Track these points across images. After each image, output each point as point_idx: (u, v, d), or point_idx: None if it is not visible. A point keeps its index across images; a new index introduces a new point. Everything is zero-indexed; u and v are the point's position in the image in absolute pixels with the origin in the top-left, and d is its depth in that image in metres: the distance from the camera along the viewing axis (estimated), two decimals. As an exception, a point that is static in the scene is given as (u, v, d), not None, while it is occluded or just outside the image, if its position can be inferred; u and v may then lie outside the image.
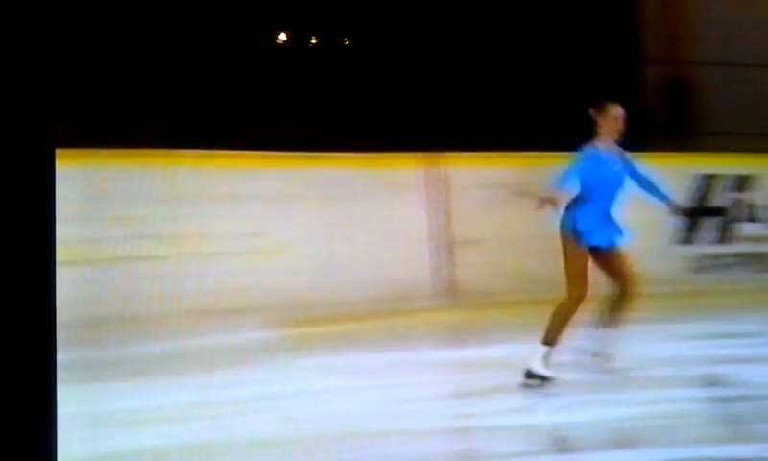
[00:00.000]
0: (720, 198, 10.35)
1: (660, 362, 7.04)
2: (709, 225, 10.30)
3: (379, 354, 7.13)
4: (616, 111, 6.39)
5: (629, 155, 6.53)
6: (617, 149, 6.45)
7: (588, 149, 6.39)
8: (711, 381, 6.84)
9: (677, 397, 6.31)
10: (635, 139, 9.63)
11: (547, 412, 6.00)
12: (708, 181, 10.31)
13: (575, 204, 6.36)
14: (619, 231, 6.46)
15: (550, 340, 6.28)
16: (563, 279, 6.47)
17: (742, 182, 10.42)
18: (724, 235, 10.38)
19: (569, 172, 6.32)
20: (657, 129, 11.81)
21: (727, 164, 10.47)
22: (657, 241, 9.58)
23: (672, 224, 9.77)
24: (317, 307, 8.23)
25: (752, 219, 10.36)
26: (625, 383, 6.42)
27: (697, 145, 11.42)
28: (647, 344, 7.50)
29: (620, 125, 6.39)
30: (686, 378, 6.88)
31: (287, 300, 8.15)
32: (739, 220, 10.37)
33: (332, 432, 5.26)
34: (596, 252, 6.38)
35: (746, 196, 10.38)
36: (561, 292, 6.57)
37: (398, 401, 6.01)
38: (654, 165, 9.58)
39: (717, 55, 11.88)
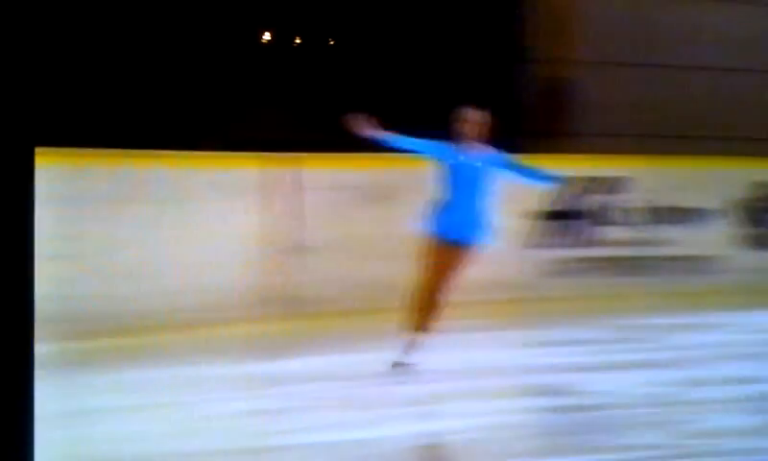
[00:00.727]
0: (585, 201, 10.22)
1: (501, 370, 6.97)
2: (569, 228, 10.17)
3: (188, 368, 6.79)
4: (470, 115, 6.79)
5: (500, 153, 6.88)
6: (484, 148, 6.80)
7: (445, 147, 6.80)
8: (552, 391, 6.70)
9: (514, 407, 6.22)
10: (508, 140, 9.45)
11: (371, 426, 5.71)
12: (573, 183, 10.08)
13: (440, 202, 6.79)
14: (474, 231, 6.77)
15: (416, 326, 6.68)
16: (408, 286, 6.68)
17: (610, 185, 10.36)
18: (584, 239, 10.24)
19: (411, 142, 6.80)
20: (532, 129, 11.64)
21: (597, 166, 10.41)
22: (508, 245, 9.27)
23: (526, 228, 9.72)
24: (124, 317, 7.81)
25: (615, 222, 10.30)
26: (459, 395, 6.29)
27: (572, 146, 11.28)
28: (489, 351, 7.43)
29: (475, 128, 6.77)
30: (527, 388, 6.78)
31: (91, 309, 7.59)
32: (602, 223, 10.26)
33: (126, 454, 5.00)
34: (444, 245, 6.70)
35: (612, 199, 10.32)
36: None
37: (202, 420, 5.71)
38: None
39: (597, 54, 11.85)
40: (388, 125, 6.95)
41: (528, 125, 11.63)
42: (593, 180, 10.25)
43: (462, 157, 6.78)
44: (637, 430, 5.64)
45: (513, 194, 9.01)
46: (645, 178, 10.29)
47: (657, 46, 11.91)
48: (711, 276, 10.30)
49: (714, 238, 10.43)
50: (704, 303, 9.47)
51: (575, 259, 10.03)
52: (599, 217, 10.22)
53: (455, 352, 7.13)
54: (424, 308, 6.68)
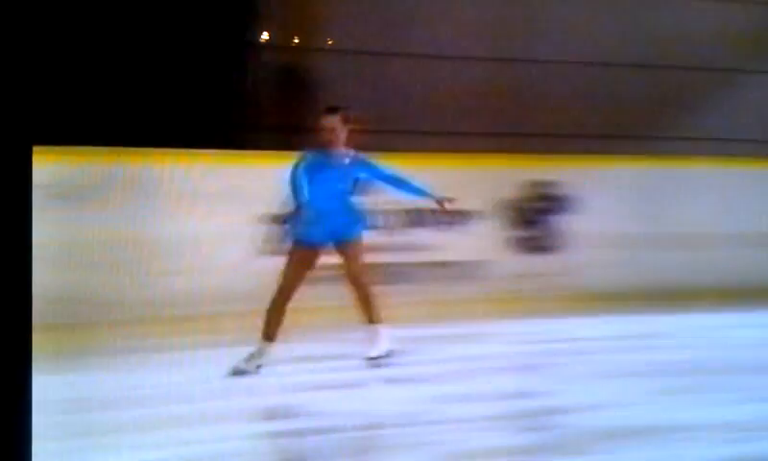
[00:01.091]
0: None
1: (230, 391, 6.41)
2: None
3: None
4: (323, 121, 7.08)
5: (368, 158, 7.17)
6: (347, 153, 7.12)
7: (305, 154, 7.09)
8: (290, 412, 6.16)
9: (245, 432, 5.66)
10: (235, 134, 9.62)
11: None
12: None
13: (304, 208, 7.01)
14: (347, 227, 7.11)
15: (267, 335, 6.88)
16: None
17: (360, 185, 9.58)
18: None
19: (296, 182, 6.99)
20: (263, 123, 10.89)
21: None
22: (237, 253, 8.79)
23: (262, 233, 9.00)
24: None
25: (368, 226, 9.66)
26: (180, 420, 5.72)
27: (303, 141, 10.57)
28: (217, 369, 6.77)
29: (328, 134, 7.05)
30: (261, 410, 6.23)
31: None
32: None
33: None
34: (308, 250, 7.03)
35: (363, 200, 9.55)
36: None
37: None
38: (245, 165, 9.23)
39: (338, 40, 11.29)
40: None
41: (259, 118, 10.96)
42: None
43: (322, 163, 7.06)
44: (390, 452, 5.38)
45: (246, 196, 8.64)
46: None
47: (407, 34, 11.38)
48: (477, 282, 9.84)
49: (481, 242, 9.99)
50: (468, 313, 8.98)
51: (321, 267, 9.37)
52: None
53: (176, 372, 6.63)
54: (279, 317, 6.91)
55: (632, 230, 10.40)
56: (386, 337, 7.09)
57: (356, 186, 7.19)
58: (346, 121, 7.13)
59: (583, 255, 10.24)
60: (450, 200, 7.29)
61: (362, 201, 7.20)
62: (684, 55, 12.21)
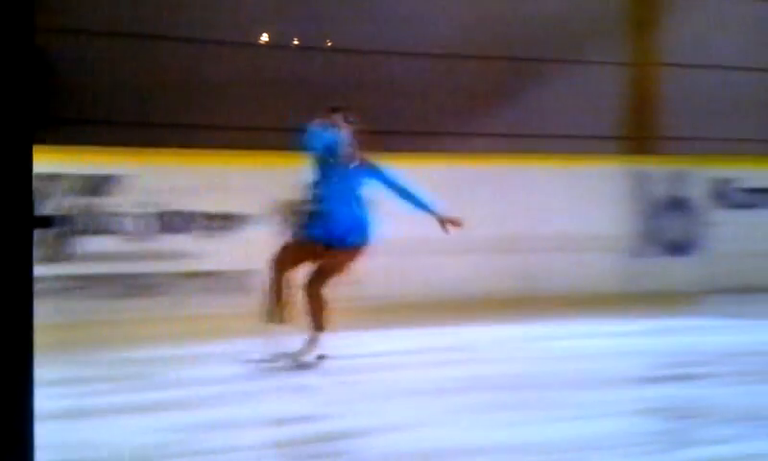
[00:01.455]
0: (62, 204, 8.91)
1: None
2: (40, 238, 8.78)
3: None
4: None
5: (377, 162, 7.30)
6: (356, 154, 7.25)
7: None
8: None
9: None
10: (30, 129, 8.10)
11: None
12: (48, 182, 8.81)
13: (316, 207, 7.31)
14: (348, 232, 7.19)
15: (271, 318, 7.19)
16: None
17: (94, 184, 9.08)
18: (61, 252, 8.89)
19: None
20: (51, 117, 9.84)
21: (79, 161, 9.11)
22: None
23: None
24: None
25: (103, 231, 9.09)
26: None
27: (51, 135, 9.26)
28: None
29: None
30: None
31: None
32: (87, 232, 9.01)
33: None
34: (320, 247, 7.20)
35: (98, 202, 9.07)
36: None
37: None
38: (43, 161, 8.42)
39: (81, 21, 10.40)
40: None
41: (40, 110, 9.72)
42: (75, 178, 9.00)
43: (335, 164, 7.20)
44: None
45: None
46: (147, 176, 9.19)
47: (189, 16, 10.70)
48: (245, 295, 8.99)
49: (251, 249, 9.11)
50: (233, 329, 8.24)
51: (48, 278, 8.68)
52: (82, 224, 8.99)
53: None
54: (282, 299, 7.17)
55: (432, 235, 9.89)
56: (323, 344, 7.17)
57: (363, 190, 7.25)
58: (347, 121, 7.22)
59: (375, 263, 9.56)
60: (456, 222, 7.25)
61: (371, 206, 7.25)
62: (489, 43, 11.83)
